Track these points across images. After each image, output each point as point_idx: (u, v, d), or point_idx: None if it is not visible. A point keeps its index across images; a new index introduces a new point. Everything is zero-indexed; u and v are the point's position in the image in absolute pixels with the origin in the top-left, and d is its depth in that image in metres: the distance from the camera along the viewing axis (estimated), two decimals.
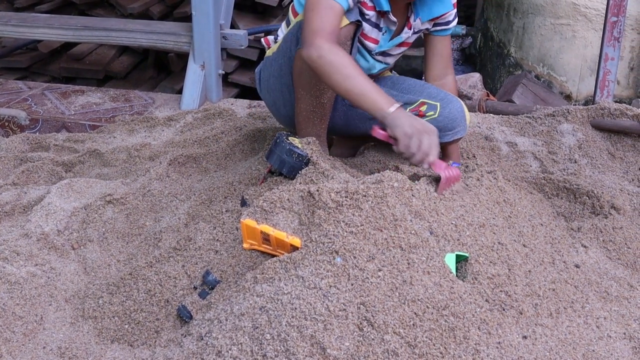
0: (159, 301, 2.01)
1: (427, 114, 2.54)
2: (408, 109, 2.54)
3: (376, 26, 2.52)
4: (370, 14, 2.47)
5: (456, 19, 2.66)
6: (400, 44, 2.63)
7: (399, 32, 2.59)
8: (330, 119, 2.64)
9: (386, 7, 2.45)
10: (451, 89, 2.68)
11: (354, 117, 2.67)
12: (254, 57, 4.78)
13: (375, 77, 2.73)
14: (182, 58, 4.98)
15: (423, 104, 2.58)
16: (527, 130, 3.22)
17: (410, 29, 2.57)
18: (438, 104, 2.58)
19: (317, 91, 2.44)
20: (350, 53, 2.42)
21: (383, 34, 2.56)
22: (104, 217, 2.44)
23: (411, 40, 2.64)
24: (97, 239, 2.37)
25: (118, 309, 2.02)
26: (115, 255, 2.32)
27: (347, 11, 2.34)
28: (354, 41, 2.43)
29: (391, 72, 2.93)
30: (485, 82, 5.01)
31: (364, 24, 2.50)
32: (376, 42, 2.56)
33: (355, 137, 2.79)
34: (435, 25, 2.61)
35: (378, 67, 2.67)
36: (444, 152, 2.67)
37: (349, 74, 2.21)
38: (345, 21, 2.35)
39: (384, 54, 2.63)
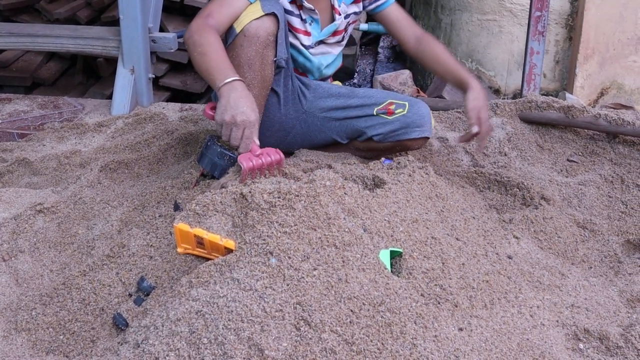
0: (93, 310, 1.98)
1: (396, 111, 2.61)
2: (376, 109, 2.59)
3: (299, 17, 2.55)
4: (288, 6, 2.52)
5: None
6: (335, 32, 2.66)
7: (330, 19, 2.63)
8: (290, 133, 2.67)
9: None
10: (433, 41, 2.72)
11: (312, 129, 2.70)
12: (184, 60, 4.74)
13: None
14: (111, 63, 4.92)
15: (391, 103, 2.64)
16: (458, 125, 3.26)
17: (340, 14, 2.61)
18: (406, 102, 2.65)
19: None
20: (276, 49, 2.45)
21: (310, 24, 2.59)
22: (35, 227, 2.40)
23: (343, 27, 2.68)
24: (28, 250, 2.32)
25: (52, 320, 1.98)
26: (48, 265, 2.28)
27: (264, 7, 2.39)
28: (283, 36, 2.46)
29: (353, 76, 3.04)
30: (415, 78, 5.06)
31: (292, 18, 2.53)
32: (307, 34, 2.58)
33: (317, 147, 2.82)
34: (371, 2, 2.68)
35: (324, 61, 2.71)
36: (408, 150, 2.74)
37: (203, 52, 2.27)
38: (259, 12, 2.38)
39: (321, 45, 2.65)
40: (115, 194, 2.58)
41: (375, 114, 2.61)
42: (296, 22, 2.56)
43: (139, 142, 3.06)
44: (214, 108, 2.23)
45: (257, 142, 2.20)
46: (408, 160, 2.33)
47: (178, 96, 4.80)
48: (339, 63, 2.82)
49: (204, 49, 2.29)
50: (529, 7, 3.90)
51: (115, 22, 4.62)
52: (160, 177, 2.59)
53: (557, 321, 2.01)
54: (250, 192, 1.88)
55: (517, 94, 4.35)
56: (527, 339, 1.88)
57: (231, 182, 2.09)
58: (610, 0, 4.18)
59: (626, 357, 1.91)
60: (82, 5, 5.41)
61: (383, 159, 2.42)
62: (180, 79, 4.77)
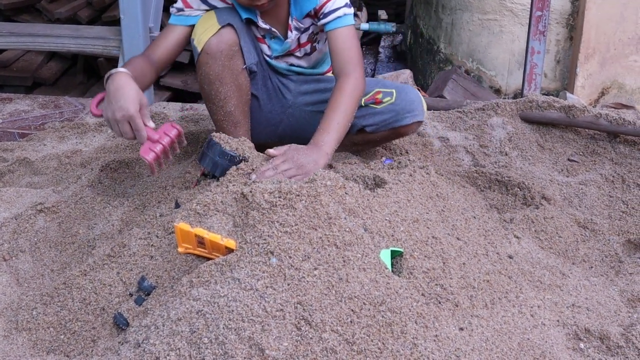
0: (94, 310, 1.98)
1: (384, 100, 2.57)
2: (363, 99, 2.56)
3: (258, 31, 2.54)
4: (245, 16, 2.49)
5: (345, 8, 2.43)
6: (299, 45, 2.61)
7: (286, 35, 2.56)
8: (279, 127, 2.66)
9: (245, 15, 2.46)
10: (344, 90, 2.35)
11: (301, 122, 2.70)
12: (185, 59, 4.75)
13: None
14: (112, 62, 4.92)
15: (379, 92, 2.60)
16: (459, 125, 3.26)
17: (291, 30, 2.52)
18: (394, 90, 2.59)
19: (218, 101, 2.49)
20: (243, 56, 2.47)
21: (271, 39, 2.56)
22: (36, 226, 2.40)
23: (295, 44, 2.59)
24: (29, 249, 2.33)
25: (53, 320, 1.98)
26: (49, 265, 2.28)
27: (219, 19, 2.42)
28: (248, 42, 2.48)
29: None
30: (416, 78, 5.06)
31: (253, 28, 2.52)
32: (268, 46, 2.59)
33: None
34: (321, 18, 2.45)
35: (295, 69, 2.68)
36: (404, 136, 2.71)
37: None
38: (215, 26, 2.41)
39: (288, 57, 2.63)
40: (116, 194, 2.59)
41: (363, 104, 2.57)
42: (257, 32, 2.54)
43: (139, 141, 3.06)
44: (101, 101, 2.26)
45: (151, 124, 2.21)
46: (409, 160, 2.33)
47: (179, 96, 4.81)
48: (326, 63, 2.75)
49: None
50: (529, 6, 3.90)
51: (116, 22, 4.62)
52: (161, 177, 2.59)
53: (558, 321, 2.01)
54: (251, 191, 1.88)
55: (518, 94, 4.35)
56: (528, 339, 1.88)
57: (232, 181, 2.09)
58: (611, 0, 4.18)
59: (627, 357, 1.91)
60: (82, 5, 5.41)
61: (384, 158, 2.42)
62: (181, 78, 4.77)
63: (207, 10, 2.48)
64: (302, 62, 2.67)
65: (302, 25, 2.52)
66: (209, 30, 2.42)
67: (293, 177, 2.12)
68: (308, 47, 2.62)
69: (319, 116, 2.41)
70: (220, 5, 2.48)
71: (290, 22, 2.50)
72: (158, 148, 2.19)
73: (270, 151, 2.20)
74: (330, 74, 2.76)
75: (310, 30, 2.56)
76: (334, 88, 2.37)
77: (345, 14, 2.42)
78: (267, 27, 2.49)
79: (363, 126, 2.62)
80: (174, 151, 2.24)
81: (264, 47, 2.58)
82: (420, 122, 2.64)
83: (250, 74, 2.54)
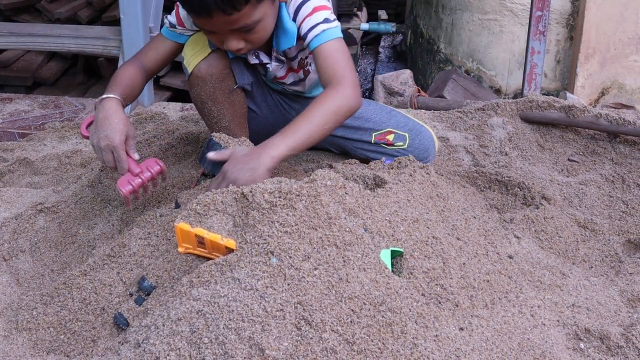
0: (94, 310, 1.98)
1: (395, 144, 2.52)
2: (374, 136, 2.53)
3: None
4: None
5: (322, 24, 2.27)
6: (289, 71, 2.55)
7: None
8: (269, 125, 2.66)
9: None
10: (320, 101, 2.17)
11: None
12: None
13: None
14: (112, 62, 4.92)
15: (390, 132, 2.55)
16: (459, 125, 3.26)
17: (273, 61, 2.46)
18: (407, 134, 2.54)
19: (212, 118, 2.50)
20: (235, 77, 2.46)
21: (260, 66, 2.53)
22: (36, 226, 2.40)
23: (295, 66, 2.52)
24: (29, 249, 2.33)
25: (53, 320, 1.99)
26: (49, 265, 2.28)
27: (211, 43, 2.39)
28: (239, 65, 2.46)
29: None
30: (416, 78, 5.06)
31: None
32: (261, 71, 2.56)
33: None
34: (304, 40, 2.32)
35: (290, 90, 2.65)
36: None
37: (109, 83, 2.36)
38: (206, 50, 2.40)
39: (281, 83, 2.60)
40: (116, 194, 2.58)
41: (372, 141, 2.54)
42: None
43: (139, 141, 3.06)
44: (91, 123, 2.27)
45: (135, 156, 2.20)
46: (409, 160, 2.33)
47: (179, 96, 4.80)
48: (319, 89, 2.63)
49: (110, 82, 2.37)
50: (529, 6, 3.91)
51: (116, 22, 4.62)
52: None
53: (558, 321, 2.01)
54: (251, 191, 1.88)
55: (518, 94, 4.35)
56: (528, 339, 1.88)
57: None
58: (611, 0, 4.18)
59: (627, 357, 1.91)
60: (82, 4, 5.41)
61: (384, 158, 2.42)
62: (181, 78, 4.77)
63: (198, 30, 2.44)
64: (298, 88, 2.63)
65: (282, 58, 2.46)
66: (199, 54, 2.41)
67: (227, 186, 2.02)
68: (301, 73, 2.56)
69: (328, 137, 2.32)
70: None
71: (272, 52, 2.43)
72: (136, 182, 2.18)
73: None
74: None
75: (298, 58, 2.51)
76: (315, 99, 2.19)
77: (323, 30, 2.26)
78: (256, 61, 2.44)
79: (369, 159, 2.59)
80: (153, 186, 2.24)
81: (260, 70, 2.57)
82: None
83: (246, 90, 2.54)
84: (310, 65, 2.54)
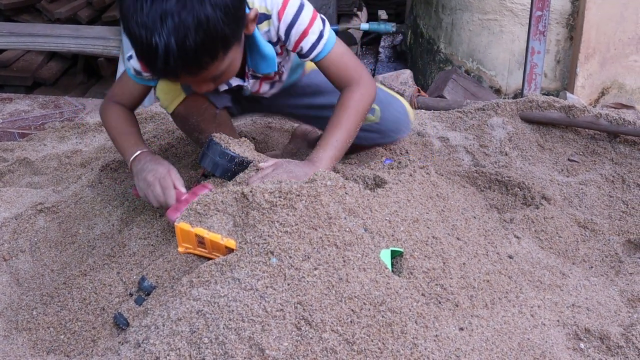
0: (94, 309, 1.98)
1: (367, 119, 2.44)
2: None
3: None
4: None
5: (322, 40, 2.23)
6: (264, 79, 2.45)
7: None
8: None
9: None
10: (345, 106, 2.24)
11: (285, 111, 2.67)
12: None
13: (299, 81, 2.62)
14: (112, 62, 4.92)
15: None
16: (459, 125, 3.26)
17: (249, 78, 2.36)
18: (377, 107, 2.49)
19: (201, 142, 2.45)
20: (215, 103, 2.41)
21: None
22: (36, 226, 2.40)
23: (257, 87, 2.45)
24: (29, 249, 2.33)
25: (53, 320, 1.99)
26: (49, 265, 2.28)
27: (184, 86, 2.34)
28: (215, 95, 2.40)
29: None
30: (416, 78, 5.06)
31: None
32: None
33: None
34: (302, 55, 2.28)
35: (268, 94, 2.55)
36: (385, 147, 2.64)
37: (112, 137, 2.39)
38: (181, 95, 2.37)
39: (259, 94, 2.52)
40: (116, 194, 2.59)
41: None
42: None
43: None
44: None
45: (182, 189, 2.16)
46: (409, 160, 2.33)
47: None
48: (301, 66, 2.60)
49: (111, 134, 2.39)
50: (529, 6, 3.91)
51: (116, 22, 4.62)
52: None
53: (558, 321, 2.01)
54: (251, 191, 1.88)
55: (518, 94, 4.35)
56: (528, 339, 1.88)
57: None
58: (611, 0, 4.18)
59: (627, 357, 1.91)
60: (82, 5, 5.42)
61: (384, 158, 2.42)
62: None
63: None
64: (274, 90, 2.53)
65: (259, 75, 2.37)
66: (175, 98, 2.37)
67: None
68: (276, 77, 2.47)
69: (300, 113, 2.45)
70: None
71: (247, 70, 2.32)
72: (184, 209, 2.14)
73: (261, 165, 2.14)
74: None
75: (266, 80, 2.45)
76: (337, 103, 2.27)
77: (324, 46, 2.24)
78: (225, 87, 2.35)
79: None
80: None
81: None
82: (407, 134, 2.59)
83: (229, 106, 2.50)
84: (283, 66, 2.46)
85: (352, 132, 2.25)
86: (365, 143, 2.59)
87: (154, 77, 2.32)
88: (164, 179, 2.15)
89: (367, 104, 2.28)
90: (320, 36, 2.22)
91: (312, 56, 2.24)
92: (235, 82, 2.31)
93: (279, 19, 2.16)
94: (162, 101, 2.40)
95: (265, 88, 2.46)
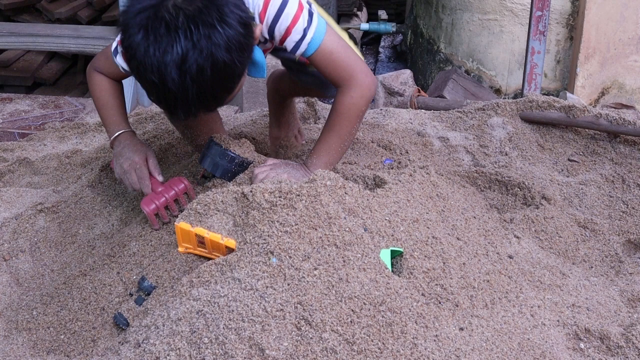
0: (94, 309, 1.98)
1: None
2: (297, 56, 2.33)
3: None
4: None
5: (306, 37, 2.12)
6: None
7: None
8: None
9: None
10: (338, 109, 2.20)
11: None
12: None
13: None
14: None
15: None
16: (459, 125, 3.26)
17: None
18: None
19: (187, 139, 2.49)
20: None
21: None
22: (36, 226, 2.40)
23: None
24: (29, 249, 2.33)
25: (53, 320, 1.99)
26: (49, 265, 2.28)
27: None
28: None
29: None
30: (416, 78, 5.06)
31: None
32: None
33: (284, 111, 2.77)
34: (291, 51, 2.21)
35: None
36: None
37: (97, 107, 2.35)
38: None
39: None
40: (116, 194, 2.58)
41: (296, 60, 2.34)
42: None
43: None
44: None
45: (159, 177, 2.19)
46: (409, 160, 2.34)
47: None
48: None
49: (96, 104, 2.35)
50: (529, 6, 3.91)
51: (116, 22, 4.62)
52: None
53: (558, 321, 2.01)
54: (251, 191, 1.88)
55: (518, 94, 4.35)
56: (528, 339, 1.88)
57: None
58: (611, 0, 4.18)
59: (627, 357, 1.91)
60: (83, 4, 5.42)
61: (384, 158, 2.42)
62: None
63: None
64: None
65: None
66: None
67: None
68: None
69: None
70: None
71: None
72: (160, 201, 2.14)
73: (256, 170, 2.14)
74: None
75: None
76: (331, 106, 2.22)
77: (309, 43, 2.13)
78: None
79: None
80: (179, 205, 2.19)
81: None
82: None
83: None
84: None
85: (346, 136, 2.21)
86: (305, 85, 2.54)
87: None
88: (139, 169, 2.17)
89: (361, 105, 2.20)
90: (304, 35, 2.12)
91: (298, 54, 2.17)
92: None
93: (261, 21, 2.09)
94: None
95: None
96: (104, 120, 2.34)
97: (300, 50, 2.14)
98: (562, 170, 2.97)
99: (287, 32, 2.10)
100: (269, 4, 2.08)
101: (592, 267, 2.36)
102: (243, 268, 1.72)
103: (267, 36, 2.14)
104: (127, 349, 1.69)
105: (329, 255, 1.75)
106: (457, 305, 1.86)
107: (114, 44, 2.26)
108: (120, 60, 2.24)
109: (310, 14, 2.13)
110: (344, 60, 2.19)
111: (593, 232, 2.52)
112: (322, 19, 2.18)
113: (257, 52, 2.11)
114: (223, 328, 1.59)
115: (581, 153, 3.05)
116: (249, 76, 2.22)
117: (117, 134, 2.26)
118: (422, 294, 1.83)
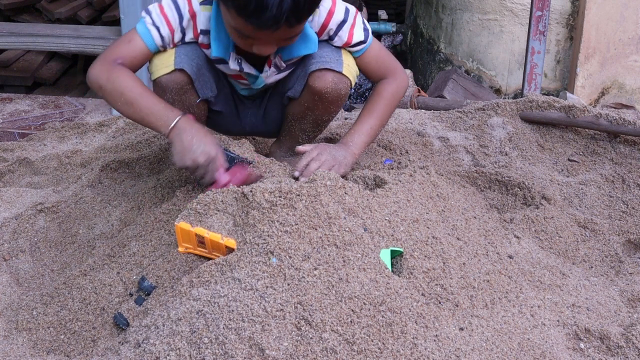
0: (94, 309, 1.98)
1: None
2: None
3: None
4: (231, 64, 2.33)
5: (367, 41, 2.41)
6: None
7: (261, 69, 2.37)
8: (244, 120, 2.60)
9: (216, 53, 2.29)
10: (382, 94, 2.46)
11: (269, 111, 2.59)
12: None
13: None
14: None
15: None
16: (459, 125, 3.26)
17: (270, 66, 2.34)
18: None
19: None
20: (197, 91, 2.36)
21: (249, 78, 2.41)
22: (36, 226, 2.40)
23: (280, 76, 2.43)
24: (29, 249, 2.33)
25: (53, 320, 1.99)
26: (49, 265, 2.28)
27: (177, 59, 2.28)
28: (204, 80, 2.37)
29: None
30: (416, 78, 5.06)
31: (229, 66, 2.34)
32: (245, 82, 2.45)
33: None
34: (346, 48, 2.42)
35: (270, 84, 2.50)
36: (324, 94, 2.44)
37: (129, 100, 2.16)
38: (170, 66, 2.28)
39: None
40: (116, 194, 2.58)
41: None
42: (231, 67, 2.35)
43: (139, 141, 3.06)
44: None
45: (222, 170, 2.12)
46: (409, 160, 2.34)
47: None
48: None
49: (128, 96, 2.16)
50: (529, 6, 3.90)
51: (116, 22, 4.62)
52: (161, 177, 2.59)
53: (558, 321, 2.01)
54: (251, 191, 1.88)
55: (518, 94, 4.35)
56: (528, 339, 1.88)
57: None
58: (611, 0, 4.18)
59: (627, 357, 1.91)
60: (83, 4, 5.41)
61: (384, 158, 2.42)
62: None
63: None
64: (279, 76, 2.46)
65: (283, 65, 2.36)
66: (164, 67, 2.29)
67: (331, 168, 2.23)
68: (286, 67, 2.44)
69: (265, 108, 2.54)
70: (189, 37, 2.33)
71: (272, 57, 2.32)
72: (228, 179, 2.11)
73: (300, 148, 2.29)
74: None
75: (287, 70, 2.44)
76: (373, 91, 2.47)
77: (368, 42, 2.42)
78: (237, 68, 2.32)
79: (288, 96, 2.48)
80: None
81: (242, 82, 2.45)
82: (334, 72, 2.38)
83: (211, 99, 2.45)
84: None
85: (385, 120, 2.46)
86: (299, 87, 2.48)
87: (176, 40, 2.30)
88: (213, 163, 2.09)
89: (401, 95, 2.50)
90: (366, 33, 2.40)
91: (355, 50, 2.41)
92: (245, 66, 2.32)
93: (330, 14, 2.31)
94: (152, 66, 2.32)
95: (271, 79, 2.43)
96: (146, 109, 2.14)
97: (362, 46, 2.41)
98: (562, 170, 2.97)
99: (350, 37, 2.37)
100: (336, 1, 2.33)
101: (592, 267, 2.36)
102: (243, 268, 1.72)
103: (332, 29, 2.35)
104: (127, 349, 1.69)
105: (329, 255, 1.75)
106: (457, 305, 1.86)
107: (144, 13, 2.30)
108: (155, 31, 2.26)
109: (362, 18, 2.41)
110: (386, 57, 2.51)
111: (593, 232, 2.52)
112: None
113: (311, 29, 2.30)
114: (223, 328, 1.59)
115: (581, 153, 3.05)
116: (294, 56, 2.34)
117: (175, 121, 2.11)
118: (422, 294, 1.83)
